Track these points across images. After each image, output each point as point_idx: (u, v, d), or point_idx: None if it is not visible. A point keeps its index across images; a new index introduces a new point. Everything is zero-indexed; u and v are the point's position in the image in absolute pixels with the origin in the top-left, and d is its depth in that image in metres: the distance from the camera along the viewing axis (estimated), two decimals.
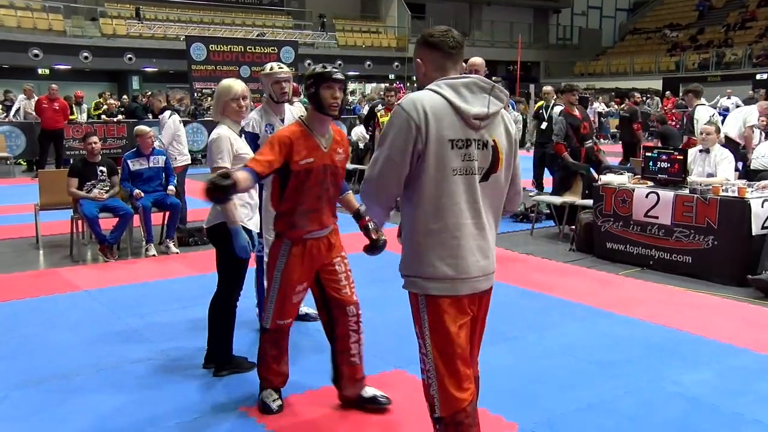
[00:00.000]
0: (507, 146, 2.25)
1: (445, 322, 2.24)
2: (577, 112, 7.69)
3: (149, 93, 13.44)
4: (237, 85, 3.66)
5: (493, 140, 2.20)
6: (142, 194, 6.60)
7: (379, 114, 9.23)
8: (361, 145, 11.20)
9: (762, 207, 5.50)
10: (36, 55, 21.02)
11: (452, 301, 2.22)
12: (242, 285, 3.74)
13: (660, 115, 13.91)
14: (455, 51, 2.25)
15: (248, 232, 3.68)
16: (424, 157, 2.12)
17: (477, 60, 6.51)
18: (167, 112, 7.61)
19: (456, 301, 2.22)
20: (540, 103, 10.58)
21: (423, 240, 2.18)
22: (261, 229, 4.28)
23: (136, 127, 7.13)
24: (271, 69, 4.32)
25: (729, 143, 8.54)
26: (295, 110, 4.55)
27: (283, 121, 4.34)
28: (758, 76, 24.43)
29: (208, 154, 3.64)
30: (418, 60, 2.30)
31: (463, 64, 2.32)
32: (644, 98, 24.50)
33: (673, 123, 14.95)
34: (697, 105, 8.90)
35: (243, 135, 4.32)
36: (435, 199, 2.15)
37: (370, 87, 27.05)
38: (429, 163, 2.12)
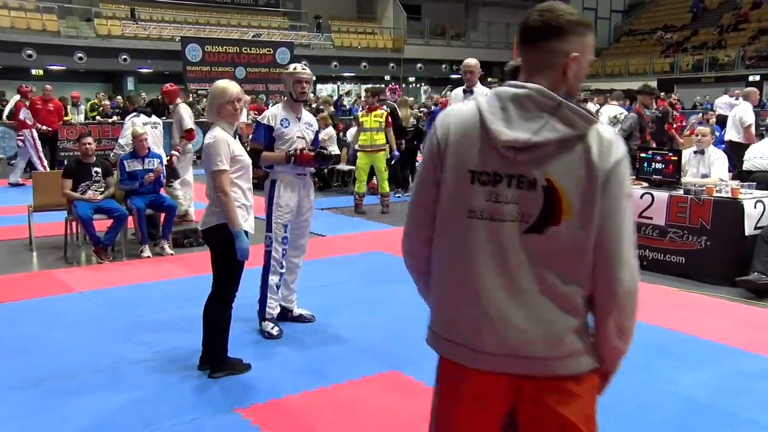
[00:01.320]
0: (580, 192, 1.53)
1: (449, 398, 1.73)
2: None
3: (129, 96, 13.39)
4: (232, 87, 3.66)
5: (547, 180, 1.53)
6: (152, 176, 6.64)
7: (360, 115, 9.17)
8: (356, 146, 11.17)
9: (755, 208, 5.52)
10: (30, 56, 20.94)
11: (469, 375, 1.65)
12: (238, 286, 3.74)
13: (655, 115, 13.90)
14: (528, 36, 1.62)
15: (244, 233, 3.68)
16: (441, 188, 1.64)
17: (471, 61, 6.52)
18: (132, 114, 7.77)
19: (475, 376, 1.64)
20: None
21: (435, 286, 1.73)
22: (268, 224, 4.34)
23: (132, 129, 7.13)
24: (295, 69, 4.48)
25: (734, 148, 8.59)
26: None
27: (299, 119, 4.46)
28: (751, 78, 24.54)
29: (205, 157, 3.63)
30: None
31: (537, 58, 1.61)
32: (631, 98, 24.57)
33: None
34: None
35: (258, 127, 4.42)
36: (446, 241, 1.66)
37: (365, 88, 27.05)
38: (444, 197, 1.64)
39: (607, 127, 1.56)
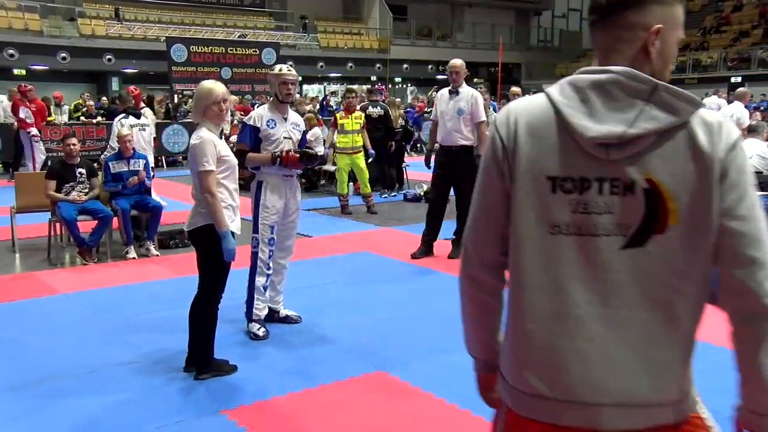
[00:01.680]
0: (689, 190, 1.25)
1: None
2: None
3: (120, 95, 13.29)
4: (218, 88, 3.64)
5: (647, 180, 1.26)
6: (136, 179, 6.57)
7: (339, 116, 9.13)
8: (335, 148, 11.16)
9: None
10: (11, 55, 20.71)
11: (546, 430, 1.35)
12: (224, 287, 3.72)
13: None
14: (598, 12, 1.33)
15: (231, 234, 3.67)
16: (512, 200, 1.34)
17: (457, 62, 6.52)
18: (120, 115, 7.71)
19: None
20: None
21: (511, 323, 1.41)
22: (255, 225, 4.31)
23: (117, 130, 7.07)
24: (280, 70, 4.47)
25: None
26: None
27: (286, 119, 4.46)
28: (733, 79, 24.83)
29: (191, 158, 3.61)
30: None
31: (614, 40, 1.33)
32: None
33: None
34: None
35: (244, 128, 4.41)
36: (522, 269, 1.35)
37: (347, 87, 27.04)
38: (517, 211, 1.34)
39: (709, 110, 1.30)
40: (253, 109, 18.13)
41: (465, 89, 6.40)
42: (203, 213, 3.59)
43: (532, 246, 1.32)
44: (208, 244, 3.61)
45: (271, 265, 4.44)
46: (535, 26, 36.12)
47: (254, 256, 4.40)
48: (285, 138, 4.39)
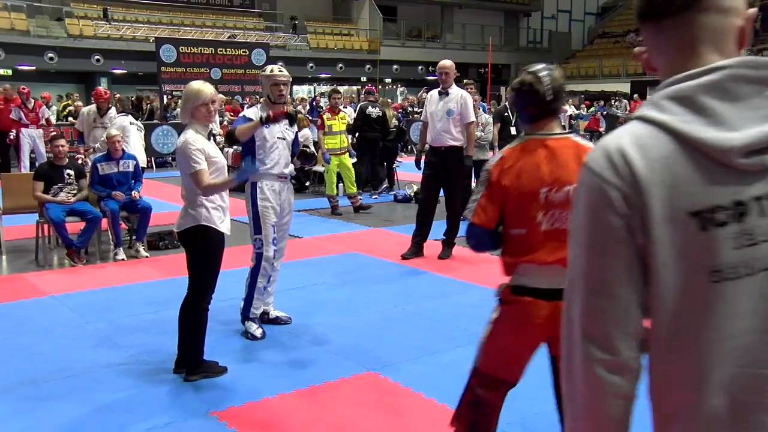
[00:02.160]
0: None
1: None
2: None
3: (116, 94, 13.26)
4: (206, 89, 3.62)
5: None
6: (122, 195, 6.52)
7: (325, 117, 9.11)
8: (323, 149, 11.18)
9: None
10: None
11: None
12: (214, 288, 3.71)
13: (628, 117, 14.11)
14: (677, 7, 1.07)
15: (220, 234, 3.65)
16: (650, 258, 1.05)
17: (446, 63, 6.53)
18: (119, 115, 7.76)
19: None
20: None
21: (674, 413, 1.17)
22: (257, 226, 4.29)
23: (106, 131, 7.03)
24: (272, 71, 4.42)
25: None
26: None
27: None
28: None
29: (180, 159, 3.60)
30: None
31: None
32: (612, 101, 24.96)
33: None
34: None
35: (239, 119, 4.37)
36: (678, 341, 1.08)
37: (342, 90, 27.05)
38: (659, 269, 1.05)
39: None
40: (243, 109, 18.10)
41: (454, 90, 6.40)
42: (193, 214, 3.57)
43: (689, 304, 1.04)
44: (198, 246, 3.60)
45: (275, 265, 4.41)
46: (524, 27, 36.25)
47: (258, 256, 4.35)
48: (279, 138, 4.36)
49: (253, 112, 4.37)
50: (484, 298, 5.24)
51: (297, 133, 4.64)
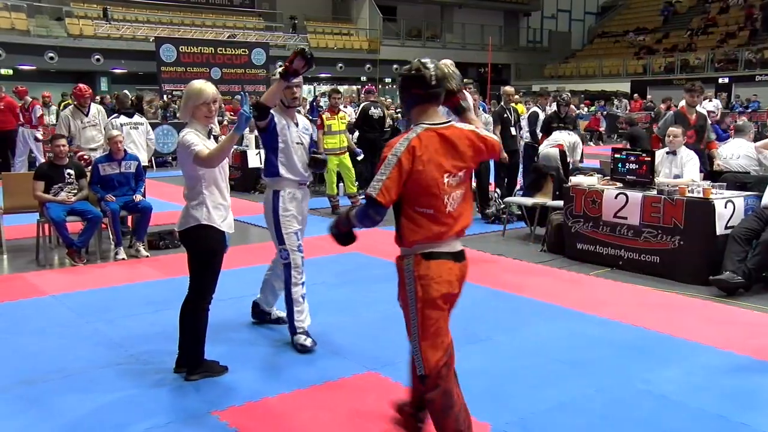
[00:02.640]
0: None
1: None
2: (692, 117, 7.16)
3: (118, 95, 13.26)
4: (208, 89, 3.62)
5: None
6: (114, 198, 6.51)
7: (325, 117, 9.09)
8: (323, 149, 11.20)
9: (725, 207, 5.63)
10: None
11: None
12: (215, 288, 3.71)
13: (629, 117, 14.00)
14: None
15: (222, 233, 3.65)
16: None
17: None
18: (113, 115, 7.67)
19: None
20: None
21: None
22: (280, 237, 4.18)
23: (107, 132, 7.03)
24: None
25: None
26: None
27: (297, 125, 4.30)
28: (720, 80, 25.04)
29: (180, 153, 3.57)
30: None
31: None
32: (612, 100, 24.94)
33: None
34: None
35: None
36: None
37: (342, 89, 27.02)
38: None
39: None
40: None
41: None
42: (194, 214, 3.57)
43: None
44: (199, 246, 3.60)
45: (303, 269, 4.28)
46: (524, 27, 36.24)
47: (287, 267, 4.21)
48: (296, 143, 4.24)
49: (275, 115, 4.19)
50: (482, 296, 5.26)
51: (312, 136, 4.53)
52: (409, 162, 2.57)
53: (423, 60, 2.72)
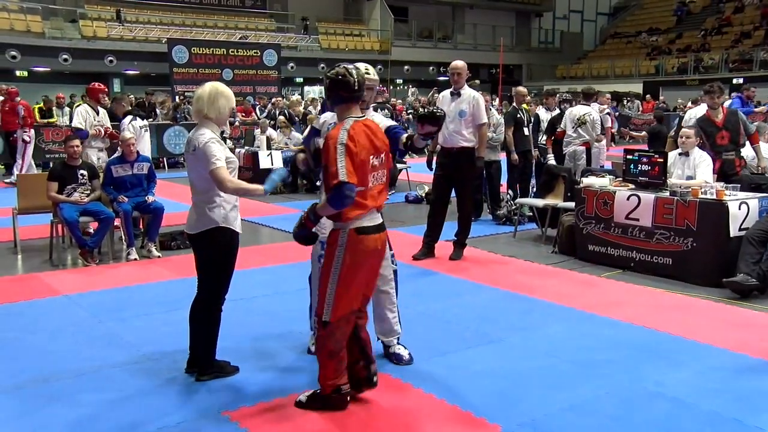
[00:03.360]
0: None
1: None
2: (719, 119, 6.99)
3: (115, 97, 13.38)
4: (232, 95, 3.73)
5: None
6: (126, 199, 6.56)
7: None
8: None
9: (739, 209, 5.58)
10: (14, 57, 20.76)
11: None
12: (227, 289, 3.72)
13: (658, 112, 13.68)
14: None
15: (236, 234, 3.66)
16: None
17: (459, 63, 6.51)
18: (128, 117, 7.72)
19: None
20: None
21: None
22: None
23: (121, 134, 7.07)
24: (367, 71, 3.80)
25: None
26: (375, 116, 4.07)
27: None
28: (735, 80, 24.80)
29: (198, 157, 3.52)
30: None
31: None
32: (624, 101, 24.79)
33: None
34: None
35: (310, 131, 4.07)
36: None
37: None
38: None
39: None
40: (254, 110, 17.99)
41: (466, 91, 6.38)
42: (210, 215, 3.56)
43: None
44: (216, 247, 3.60)
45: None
46: (536, 27, 36.12)
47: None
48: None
49: (326, 118, 4.02)
50: (494, 298, 5.25)
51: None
52: (353, 146, 3.08)
53: (348, 66, 3.29)
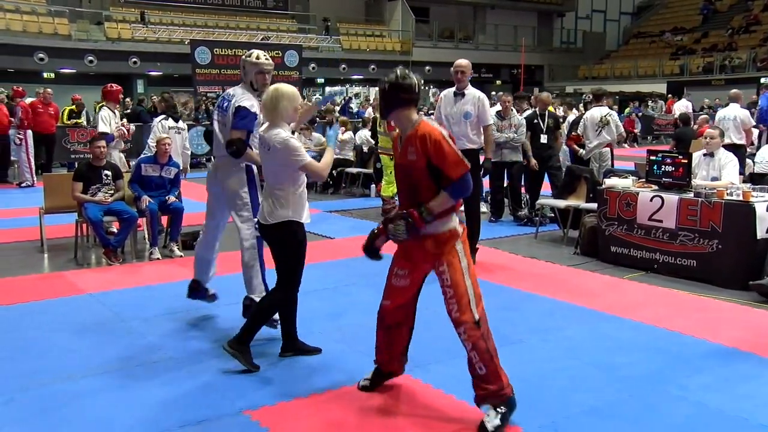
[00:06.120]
0: None
1: None
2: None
3: (153, 96, 13.56)
4: (297, 91, 3.89)
5: None
6: (149, 199, 6.63)
7: (377, 118, 9.07)
8: (365, 149, 11.20)
9: (767, 211, 5.48)
10: (41, 59, 21.10)
11: None
12: (299, 274, 3.93)
13: (684, 114, 13.50)
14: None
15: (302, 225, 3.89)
16: None
17: (463, 62, 6.20)
18: (160, 117, 7.73)
19: None
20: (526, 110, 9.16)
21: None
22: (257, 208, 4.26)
23: (157, 133, 7.13)
24: (257, 58, 4.44)
25: (734, 150, 8.56)
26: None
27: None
28: (763, 80, 24.36)
29: (282, 153, 3.70)
30: None
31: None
32: (648, 102, 24.49)
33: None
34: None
35: (248, 114, 4.26)
36: None
37: (374, 91, 27.09)
38: None
39: None
40: None
41: (470, 91, 6.15)
42: (283, 211, 3.76)
43: None
44: (289, 238, 3.81)
45: None
46: (558, 27, 35.83)
47: (260, 240, 4.37)
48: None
49: (253, 102, 4.33)
50: (516, 299, 5.21)
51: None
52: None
53: (401, 69, 3.30)
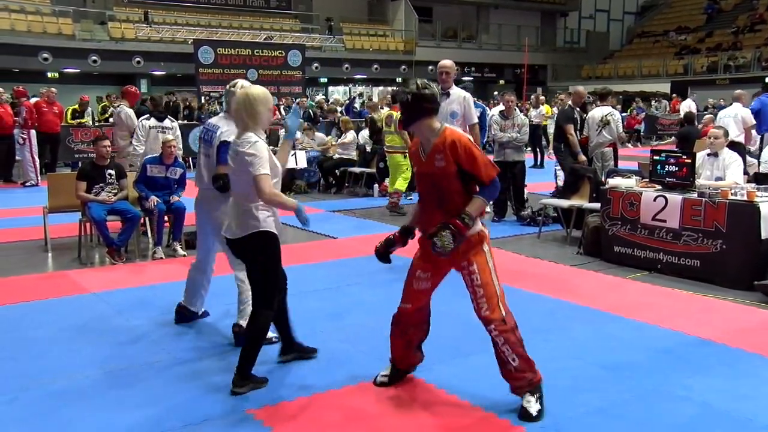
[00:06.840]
0: None
1: None
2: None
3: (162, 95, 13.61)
4: (269, 94, 3.62)
5: None
6: (157, 200, 6.64)
7: (396, 115, 9.07)
8: (368, 149, 11.19)
9: None
10: (45, 59, 21.15)
11: None
12: (275, 283, 3.68)
13: (689, 113, 13.46)
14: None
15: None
16: None
17: (447, 62, 6.18)
18: (143, 116, 7.77)
19: None
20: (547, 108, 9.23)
21: None
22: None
23: (162, 137, 7.13)
24: (242, 88, 3.94)
25: (734, 148, 8.55)
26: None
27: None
28: (767, 79, 24.28)
29: (246, 158, 3.44)
30: None
31: None
32: (652, 101, 24.44)
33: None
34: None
35: (223, 146, 4.05)
36: None
37: (377, 90, 27.10)
38: None
39: None
40: (278, 109, 18.11)
41: (455, 91, 6.17)
42: (253, 222, 3.51)
43: None
44: (263, 249, 3.57)
45: None
46: (561, 27, 35.78)
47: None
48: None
49: (230, 129, 4.04)
50: (520, 300, 5.18)
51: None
52: None
53: (419, 79, 3.38)
